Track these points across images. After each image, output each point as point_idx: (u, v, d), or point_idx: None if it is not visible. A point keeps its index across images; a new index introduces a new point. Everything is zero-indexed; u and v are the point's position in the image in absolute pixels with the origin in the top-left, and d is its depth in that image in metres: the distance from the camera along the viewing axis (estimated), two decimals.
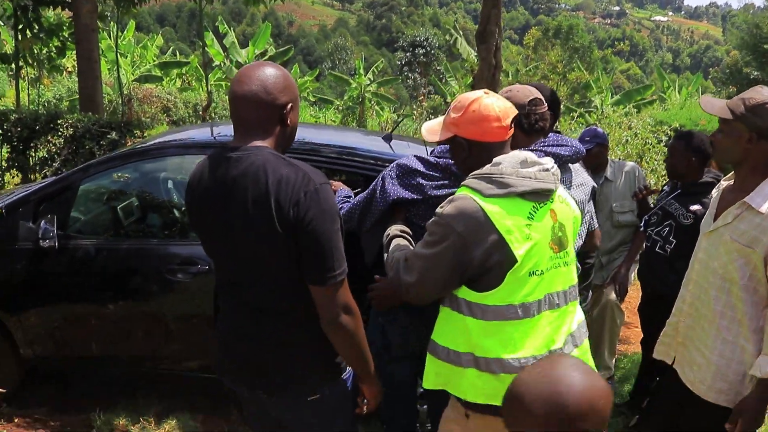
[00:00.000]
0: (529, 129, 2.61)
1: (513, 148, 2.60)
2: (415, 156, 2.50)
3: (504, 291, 1.95)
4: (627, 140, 8.13)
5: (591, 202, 2.83)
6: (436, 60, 46.11)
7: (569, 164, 2.72)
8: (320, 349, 1.97)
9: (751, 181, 2.27)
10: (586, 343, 2.17)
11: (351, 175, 3.67)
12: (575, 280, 2.13)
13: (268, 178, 1.81)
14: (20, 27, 9.56)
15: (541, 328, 1.98)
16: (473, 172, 2.04)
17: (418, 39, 50.63)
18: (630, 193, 4.27)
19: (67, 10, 9.23)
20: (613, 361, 4.40)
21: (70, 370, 4.01)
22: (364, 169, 3.45)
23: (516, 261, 1.92)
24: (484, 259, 1.93)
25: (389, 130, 4.04)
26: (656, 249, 3.65)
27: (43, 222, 3.50)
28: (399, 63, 52.95)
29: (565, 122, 9.08)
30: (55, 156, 6.56)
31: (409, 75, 45.49)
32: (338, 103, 30.71)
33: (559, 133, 3.07)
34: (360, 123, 26.94)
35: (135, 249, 3.65)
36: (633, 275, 4.41)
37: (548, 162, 2.07)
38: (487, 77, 5.26)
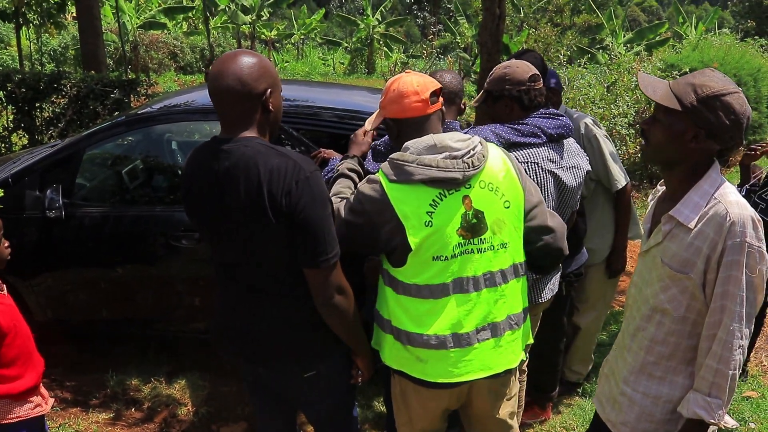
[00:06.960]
0: (528, 104, 2.62)
1: (509, 121, 2.61)
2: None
3: (409, 271, 2.04)
4: (636, 86, 8.01)
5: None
6: None
7: (563, 141, 2.68)
8: (315, 327, 2.04)
9: (686, 188, 1.85)
10: (511, 335, 2.12)
11: None
12: (498, 267, 2.07)
13: (259, 169, 1.85)
14: None
15: (448, 311, 2.04)
16: (390, 156, 2.09)
17: None
18: None
19: None
20: None
21: (82, 333, 4.15)
22: None
23: (410, 249, 2.00)
24: (388, 239, 2.03)
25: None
26: None
27: (49, 191, 3.57)
28: (408, 0, 51.72)
29: (572, 68, 8.93)
30: (60, 116, 6.58)
31: (419, 13, 44.52)
32: (346, 44, 30.25)
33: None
34: (369, 65, 26.61)
35: (140, 216, 3.72)
36: None
37: (467, 146, 2.04)
38: (491, 27, 5.15)
